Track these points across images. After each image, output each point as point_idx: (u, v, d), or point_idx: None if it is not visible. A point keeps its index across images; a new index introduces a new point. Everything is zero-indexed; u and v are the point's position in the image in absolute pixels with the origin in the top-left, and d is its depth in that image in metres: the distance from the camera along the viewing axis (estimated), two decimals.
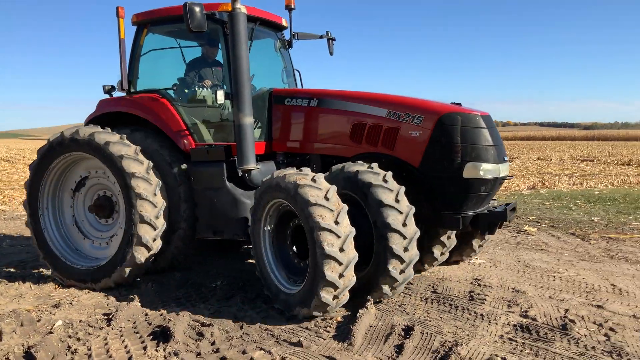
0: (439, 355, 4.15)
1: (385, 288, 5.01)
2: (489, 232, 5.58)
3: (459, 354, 4.10)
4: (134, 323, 4.88)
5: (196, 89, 6.41)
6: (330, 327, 4.80)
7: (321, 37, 7.46)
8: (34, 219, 6.27)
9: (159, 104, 6.29)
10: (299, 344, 4.39)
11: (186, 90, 6.46)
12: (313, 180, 4.84)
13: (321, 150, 6.15)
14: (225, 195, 5.90)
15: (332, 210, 4.64)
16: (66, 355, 4.23)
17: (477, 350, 4.22)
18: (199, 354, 4.23)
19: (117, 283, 5.90)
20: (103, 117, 6.66)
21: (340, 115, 5.97)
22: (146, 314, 5.11)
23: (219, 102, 5.85)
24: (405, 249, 4.89)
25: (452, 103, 5.79)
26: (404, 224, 4.90)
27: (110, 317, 5.00)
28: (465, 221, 5.44)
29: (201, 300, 5.60)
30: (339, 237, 4.58)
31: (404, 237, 4.88)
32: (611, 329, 4.66)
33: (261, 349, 4.29)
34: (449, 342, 4.36)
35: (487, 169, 5.30)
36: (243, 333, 4.67)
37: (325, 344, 4.41)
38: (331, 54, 7.64)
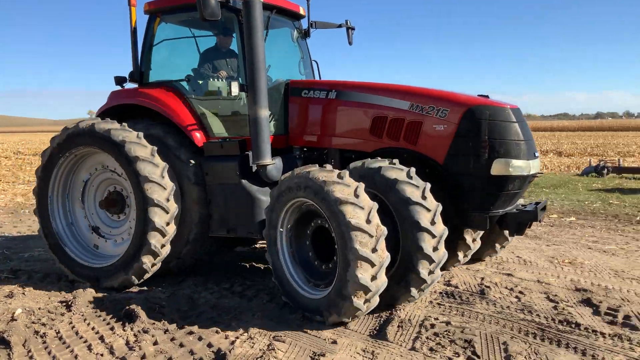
0: (382, 319, 4.79)
1: (413, 290, 4.75)
2: (517, 233, 5.26)
3: (400, 317, 4.79)
4: (95, 308, 5.14)
5: (210, 80, 6.15)
6: None
7: (340, 26, 7.16)
8: (41, 207, 6.14)
9: (171, 97, 6.06)
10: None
11: (200, 82, 6.21)
12: (340, 177, 4.58)
13: (340, 144, 5.87)
14: (239, 191, 5.65)
15: (363, 209, 4.38)
16: (37, 338, 4.43)
17: (413, 313, 4.93)
18: (166, 330, 4.56)
19: (138, 277, 5.68)
20: (115, 109, 6.45)
21: (360, 108, 5.67)
22: (103, 300, 5.36)
23: (233, 94, 5.59)
24: (435, 249, 4.63)
25: (479, 95, 5.46)
26: (433, 222, 4.64)
27: (69, 303, 5.17)
28: (492, 221, 5.13)
29: (154, 284, 5.87)
30: (371, 236, 4.32)
31: (433, 236, 4.61)
32: (520, 292, 5.49)
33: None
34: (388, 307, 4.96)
35: (517, 166, 4.98)
36: (200, 312, 5.04)
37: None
38: (350, 43, 7.34)
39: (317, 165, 4.88)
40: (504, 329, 4.55)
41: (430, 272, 4.70)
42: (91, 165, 6.15)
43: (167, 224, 5.52)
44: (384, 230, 4.41)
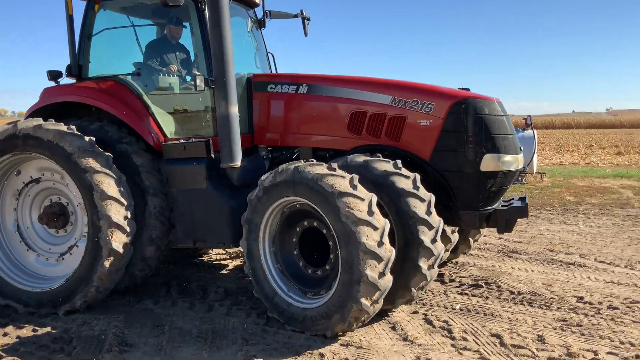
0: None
1: (413, 290, 4.44)
2: (506, 230, 5.10)
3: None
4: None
5: (161, 75, 5.52)
6: None
7: (295, 16, 6.72)
8: None
9: (120, 93, 5.35)
10: None
11: (151, 77, 5.53)
12: (331, 168, 4.20)
13: (313, 143, 5.44)
14: (208, 197, 5.07)
15: (363, 200, 4.03)
16: None
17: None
18: None
19: (86, 303, 4.94)
20: (48, 108, 5.60)
21: (336, 102, 5.27)
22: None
23: (198, 89, 5.00)
24: (434, 240, 4.35)
25: (459, 88, 5.25)
26: (429, 212, 4.36)
27: None
28: (481, 219, 4.94)
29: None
30: (376, 229, 3.97)
31: (431, 227, 4.34)
32: None
33: None
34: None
35: (507, 161, 4.82)
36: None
37: None
38: (306, 35, 6.92)
39: (302, 160, 4.45)
40: None
41: (430, 267, 4.43)
42: (28, 171, 5.30)
43: (125, 245, 4.84)
44: (386, 222, 4.09)
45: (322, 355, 4.03)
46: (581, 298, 5.19)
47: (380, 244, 3.98)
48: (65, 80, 5.72)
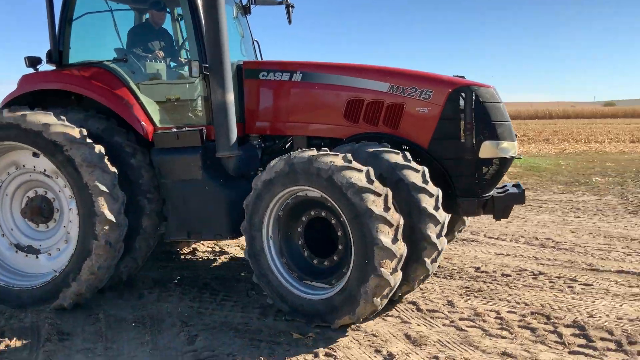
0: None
1: (414, 282, 4.45)
2: (503, 216, 5.15)
3: None
4: None
5: (147, 62, 5.31)
6: None
7: (280, 3, 6.58)
8: None
9: (106, 80, 5.10)
10: None
11: (138, 64, 5.31)
12: (347, 160, 4.13)
13: (308, 131, 5.33)
14: (203, 188, 4.91)
15: (380, 195, 3.97)
16: None
17: None
18: None
19: (78, 296, 4.71)
20: (25, 96, 5.29)
21: (332, 90, 5.18)
22: None
23: (194, 76, 4.82)
24: (439, 235, 4.36)
25: (455, 76, 5.25)
26: (436, 208, 4.36)
27: None
28: (479, 206, 4.97)
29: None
30: (391, 225, 3.94)
31: (437, 223, 4.34)
32: None
33: None
34: None
35: (504, 147, 4.86)
36: None
37: None
38: (289, 22, 6.79)
39: (314, 149, 4.36)
40: None
41: (433, 261, 4.45)
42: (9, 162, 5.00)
43: (117, 241, 4.64)
44: (400, 218, 4.05)
45: (259, 330, 4.29)
46: (478, 268, 5.98)
47: (395, 240, 3.95)
48: (44, 67, 5.43)
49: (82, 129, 4.69)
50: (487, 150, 4.80)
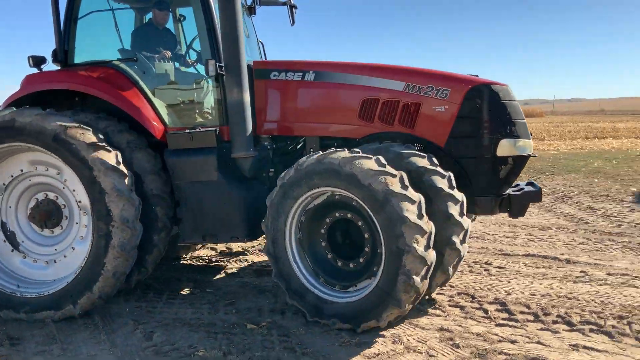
0: None
1: (434, 286, 4.44)
2: (520, 215, 5.14)
3: None
4: None
5: (157, 62, 5.20)
6: None
7: (284, 3, 6.51)
8: None
9: (116, 80, 4.97)
10: None
11: (147, 64, 5.18)
12: (381, 164, 4.07)
13: (321, 131, 5.26)
14: (219, 189, 4.81)
15: (414, 202, 3.93)
16: None
17: None
18: None
19: (92, 303, 4.56)
20: (28, 97, 5.10)
21: (346, 90, 5.13)
22: None
23: (210, 74, 4.73)
24: (462, 242, 4.37)
25: (469, 75, 5.25)
26: (461, 214, 4.34)
27: None
28: (496, 204, 4.96)
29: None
30: (424, 233, 3.91)
31: (462, 229, 4.33)
32: None
33: None
34: None
35: (521, 145, 4.85)
36: None
37: None
38: (292, 23, 6.72)
39: (345, 149, 4.29)
40: None
41: (454, 267, 4.50)
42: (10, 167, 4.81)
43: (133, 246, 4.50)
44: (432, 226, 4.01)
45: (213, 324, 4.46)
46: None
47: (427, 248, 3.93)
48: (49, 67, 5.26)
49: (99, 133, 4.54)
50: (504, 148, 4.79)
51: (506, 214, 5.03)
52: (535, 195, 5.04)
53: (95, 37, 5.47)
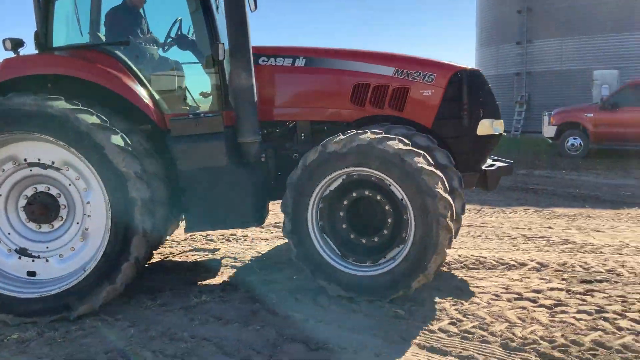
0: None
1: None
2: (494, 187, 5.70)
3: None
4: None
5: (148, 45, 5.03)
6: None
7: None
8: None
9: (110, 65, 4.73)
10: None
11: (139, 48, 5.00)
12: (406, 143, 4.35)
13: (313, 116, 5.42)
14: (227, 174, 4.80)
15: (440, 177, 4.25)
16: None
17: None
18: None
19: (113, 294, 4.40)
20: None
21: (337, 75, 5.33)
22: None
23: (220, 58, 4.69)
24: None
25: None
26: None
27: None
28: (475, 179, 5.47)
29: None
30: (451, 206, 4.25)
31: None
32: None
33: None
34: None
35: (497, 126, 5.40)
36: None
37: None
38: (253, 9, 6.74)
39: (367, 131, 4.48)
40: None
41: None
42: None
43: (152, 230, 4.37)
44: (451, 199, 4.39)
45: (185, 309, 4.45)
46: None
47: (452, 218, 4.28)
48: (26, 51, 4.85)
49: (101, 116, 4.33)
50: (484, 128, 5.29)
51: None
52: (508, 169, 5.64)
53: (69, 20, 5.13)
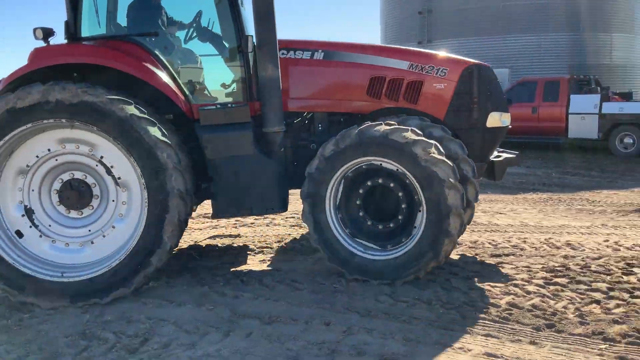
0: None
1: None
2: (500, 178, 5.99)
3: None
4: None
5: (175, 37, 5.17)
6: None
7: None
8: None
9: (141, 56, 4.86)
10: None
11: (165, 39, 5.13)
12: (417, 134, 4.60)
13: (330, 107, 5.63)
14: (255, 163, 4.98)
15: (451, 166, 4.51)
16: None
17: None
18: None
19: (146, 280, 4.60)
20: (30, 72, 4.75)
21: (355, 68, 5.55)
22: None
23: (249, 51, 4.86)
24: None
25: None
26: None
27: None
28: (484, 169, 5.75)
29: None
30: (460, 192, 4.52)
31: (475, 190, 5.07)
32: None
33: None
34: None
35: (504, 118, 5.69)
36: None
37: None
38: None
39: (381, 122, 4.71)
40: None
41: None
42: (31, 149, 4.53)
43: (187, 219, 4.56)
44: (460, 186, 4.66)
45: (134, 294, 4.53)
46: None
47: (462, 206, 4.56)
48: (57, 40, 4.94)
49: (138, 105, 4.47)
50: (493, 120, 5.58)
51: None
52: (514, 160, 5.94)
53: (89, 11, 5.22)
